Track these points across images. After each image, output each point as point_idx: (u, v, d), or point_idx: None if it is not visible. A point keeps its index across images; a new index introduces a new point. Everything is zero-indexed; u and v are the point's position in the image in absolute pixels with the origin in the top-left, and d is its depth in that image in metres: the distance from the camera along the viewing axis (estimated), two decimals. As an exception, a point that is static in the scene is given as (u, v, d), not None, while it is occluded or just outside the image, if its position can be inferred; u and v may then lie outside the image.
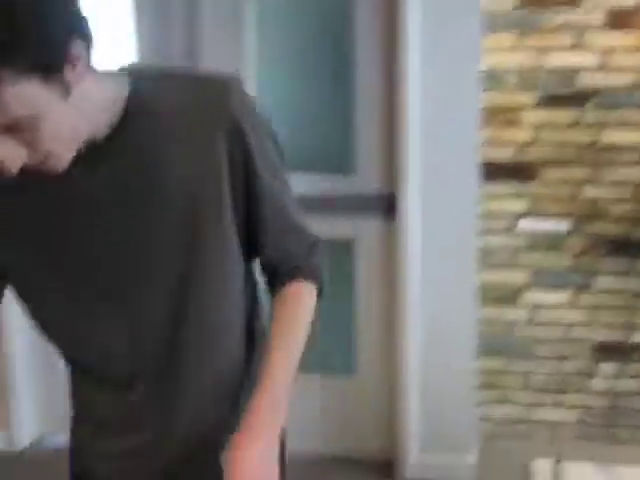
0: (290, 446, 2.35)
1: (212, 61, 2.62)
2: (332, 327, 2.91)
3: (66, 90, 0.92)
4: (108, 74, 1.04)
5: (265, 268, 1.21)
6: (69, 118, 0.95)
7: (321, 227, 2.85)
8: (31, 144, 0.92)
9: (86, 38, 0.93)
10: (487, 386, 2.90)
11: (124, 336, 1.10)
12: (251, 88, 2.62)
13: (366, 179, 2.67)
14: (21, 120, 0.89)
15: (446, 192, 2.56)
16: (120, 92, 1.03)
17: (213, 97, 1.06)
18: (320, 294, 1.20)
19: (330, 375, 2.95)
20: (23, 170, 0.93)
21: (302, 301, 1.16)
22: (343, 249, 2.78)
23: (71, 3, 0.93)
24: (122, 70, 1.08)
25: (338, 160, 2.75)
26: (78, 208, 1.05)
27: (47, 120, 0.91)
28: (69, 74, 0.91)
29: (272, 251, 1.17)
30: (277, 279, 1.19)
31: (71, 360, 1.19)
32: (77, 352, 1.16)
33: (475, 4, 2.42)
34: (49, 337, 1.14)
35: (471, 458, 2.74)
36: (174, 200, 1.05)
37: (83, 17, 0.94)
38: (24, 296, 1.12)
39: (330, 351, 2.94)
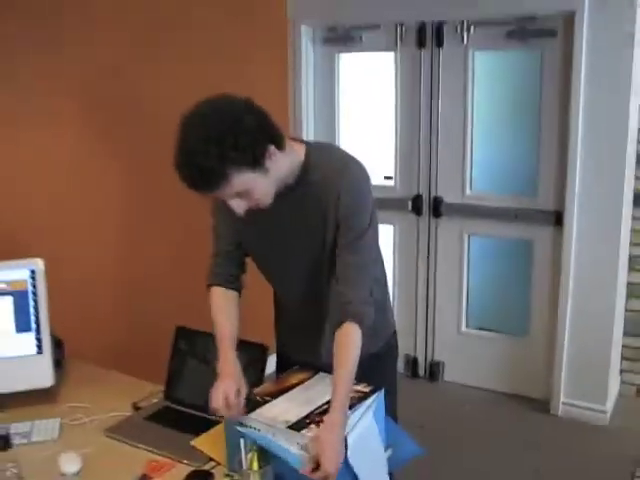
0: (474, 384, 3.58)
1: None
2: (511, 301, 3.75)
3: (266, 172, 1.41)
4: (294, 145, 1.53)
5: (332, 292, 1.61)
6: (269, 183, 1.45)
7: (512, 231, 3.66)
8: (248, 199, 1.44)
9: (277, 141, 1.41)
10: (632, 359, 3.51)
11: (288, 278, 1.72)
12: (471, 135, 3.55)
13: (544, 199, 3.45)
14: (242, 191, 1.41)
15: (601, 212, 3.17)
16: (299, 157, 1.54)
17: (338, 171, 1.54)
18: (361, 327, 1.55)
19: (509, 335, 3.72)
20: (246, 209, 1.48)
21: (354, 344, 1.53)
22: (525, 246, 3.56)
23: (265, 124, 1.39)
24: (301, 141, 1.60)
25: (526, 186, 3.53)
26: (274, 220, 1.61)
27: (256, 188, 1.42)
28: (267, 163, 1.40)
29: (340, 277, 1.58)
30: (335, 313, 1.57)
31: (273, 286, 1.83)
32: (273, 283, 1.81)
33: None
34: (265, 276, 1.77)
35: (609, 406, 3.37)
36: (317, 222, 1.58)
37: (271, 127, 1.40)
38: (254, 258, 1.74)
39: (511, 317, 3.79)
